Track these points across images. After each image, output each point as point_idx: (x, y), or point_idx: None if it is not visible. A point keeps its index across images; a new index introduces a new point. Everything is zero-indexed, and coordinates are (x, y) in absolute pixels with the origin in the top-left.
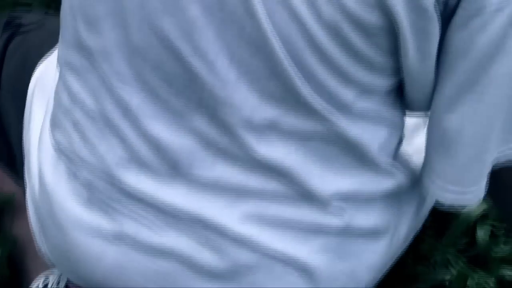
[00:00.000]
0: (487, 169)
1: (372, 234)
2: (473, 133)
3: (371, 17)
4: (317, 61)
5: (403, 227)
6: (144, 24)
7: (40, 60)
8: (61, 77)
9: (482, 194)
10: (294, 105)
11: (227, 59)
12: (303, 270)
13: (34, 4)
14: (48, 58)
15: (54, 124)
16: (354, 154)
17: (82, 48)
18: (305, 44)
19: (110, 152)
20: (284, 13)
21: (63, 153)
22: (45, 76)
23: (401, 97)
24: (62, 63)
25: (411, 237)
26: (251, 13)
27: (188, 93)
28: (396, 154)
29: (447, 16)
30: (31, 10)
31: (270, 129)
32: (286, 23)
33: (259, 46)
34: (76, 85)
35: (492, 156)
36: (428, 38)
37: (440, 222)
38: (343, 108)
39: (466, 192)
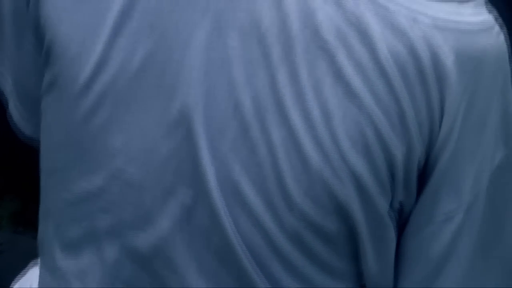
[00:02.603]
0: None
1: None
2: None
3: (331, 224)
4: (282, 269)
5: None
6: (116, 244)
7: (11, 283)
8: None
9: None
10: None
11: (196, 271)
12: None
13: (2, 223)
14: (20, 280)
15: None
16: None
17: (57, 271)
18: (269, 252)
19: None
20: (249, 222)
21: None
22: None
23: None
24: None
25: None
26: (217, 224)
27: None
28: None
29: (402, 224)
30: (0, 229)
31: None
32: (251, 232)
33: (225, 257)
34: None
35: None
36: (386, 245)
37: None
38: None
39: None
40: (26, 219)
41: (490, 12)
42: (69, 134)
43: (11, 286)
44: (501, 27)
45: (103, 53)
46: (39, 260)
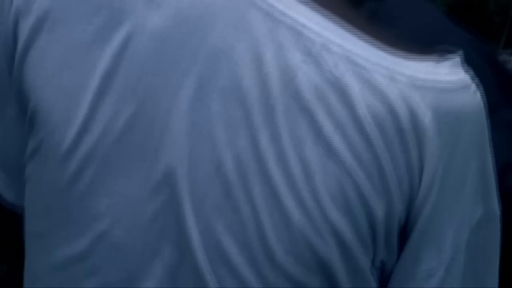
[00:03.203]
0: None
1: None
2: None
3: (314, 282)
4: None
5: None
6: None
7: None
8: None
9: None
10: None
11: None
12: None
13: None
14: None
15: None
16: None
17: None
18: None
19: None
20: (233, 281)
21: None
22: None
23: None
24: None
25: None
26: (201, 284)
27: None
28: None
29: (384, 282)
30: None
31: None
32: None
33: None
34: None
35: None
36: None
37: None
38: None
39: None
40: (15, 283)
41: (466, 72)
42: (54, 199)
43: None
44: (477, 85)
45: (86, 118)
46: None
